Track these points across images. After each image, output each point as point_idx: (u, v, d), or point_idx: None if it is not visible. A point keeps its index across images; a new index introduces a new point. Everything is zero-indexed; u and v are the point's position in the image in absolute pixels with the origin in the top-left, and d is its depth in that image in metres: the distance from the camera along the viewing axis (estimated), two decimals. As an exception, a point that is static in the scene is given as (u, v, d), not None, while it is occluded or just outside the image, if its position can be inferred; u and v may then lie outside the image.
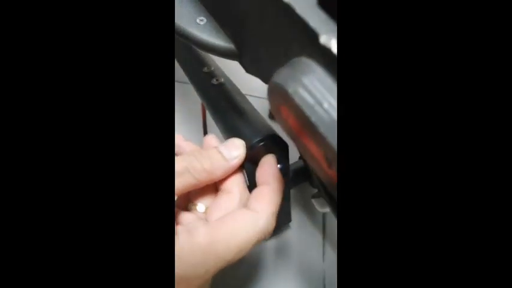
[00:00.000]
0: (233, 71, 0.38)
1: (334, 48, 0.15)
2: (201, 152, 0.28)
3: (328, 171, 0.17)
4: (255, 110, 0.33)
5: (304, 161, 0.41)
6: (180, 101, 0.51)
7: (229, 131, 0.33)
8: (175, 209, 0.28)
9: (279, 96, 0.18)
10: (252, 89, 0.41)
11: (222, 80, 0.36)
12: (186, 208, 0.29)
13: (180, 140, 0.32)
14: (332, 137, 0.15)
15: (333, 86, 0.16)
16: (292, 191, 0.39)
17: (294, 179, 0.40)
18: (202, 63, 0.39)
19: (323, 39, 0.16)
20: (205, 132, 0.42)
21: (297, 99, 0.17)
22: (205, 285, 0.26)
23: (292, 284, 0.37)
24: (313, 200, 0.41)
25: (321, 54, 0.16)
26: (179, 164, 0.26)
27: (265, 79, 0.25)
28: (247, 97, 0.35)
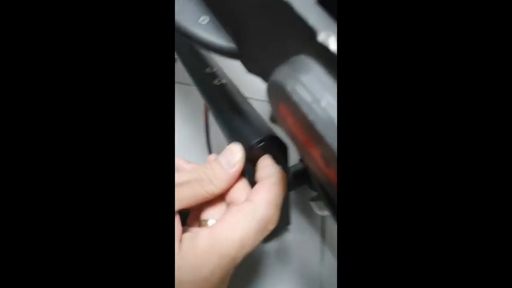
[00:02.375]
0: (235, 73, 0.38)
1: (332, 46, 0.15)
2: (204, 165, 0.28)
3: (325, 170, 0.17)
4: (255, 111, 0.33)
5: (304, 163, 0.41)
6: (183, 102, 0.51)
7: (230, 131, 0.33)
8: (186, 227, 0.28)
9: (277, 94, 0.18)
10: (254, 91, 0.41)
11: (224, 81, 0.36)
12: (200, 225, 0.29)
13: (182, 162, 0.32)
14: (329, 136, 0.15)
15: (331, 84, 0.16)
16: (291, 194, 0.39)
17: (294, 181, 0.40)
18: (205, 64, 0.39)
19: (321, 37, 0.16)
20: (206, 133, 0.42)
21: (294, 97, 0.17)
22: None
23: (290, 286, 0.37)
24: (311, 203, 0.40)
25: (319, 52, 0.16)
26: (187, 175, 0.26)
27: (266, 78, 0.25)
28: (249, 100, 0.35)
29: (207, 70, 0.38)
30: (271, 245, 0.40)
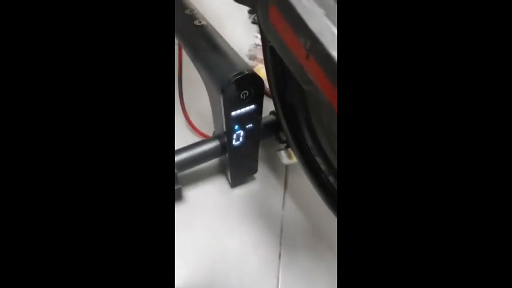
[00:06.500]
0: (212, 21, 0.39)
1: None
2: None
3: (302, 61, 0.18)
4: (233, 50, 0.35)
5: (275, 115, 0.43)
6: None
7: (209, 68, 0.34)
8: None
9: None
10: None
11: (204, 22, 0.37)
12: None
13: None
14: (312, 25, 0.17)
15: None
16: (259, 147, 0.41)
17: (264, 131, 0.42)
18: (185, 6, 0.39)
19: None
20: (179, 76, 0.42)
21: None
22: None
23: (254, 226, 0.39)
24: (278, 153, 0.42)
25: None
26: None
27: (253, 4, 0.26)
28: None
29: (187, 11, 0.38)
30: (239, 192, 0.42)
